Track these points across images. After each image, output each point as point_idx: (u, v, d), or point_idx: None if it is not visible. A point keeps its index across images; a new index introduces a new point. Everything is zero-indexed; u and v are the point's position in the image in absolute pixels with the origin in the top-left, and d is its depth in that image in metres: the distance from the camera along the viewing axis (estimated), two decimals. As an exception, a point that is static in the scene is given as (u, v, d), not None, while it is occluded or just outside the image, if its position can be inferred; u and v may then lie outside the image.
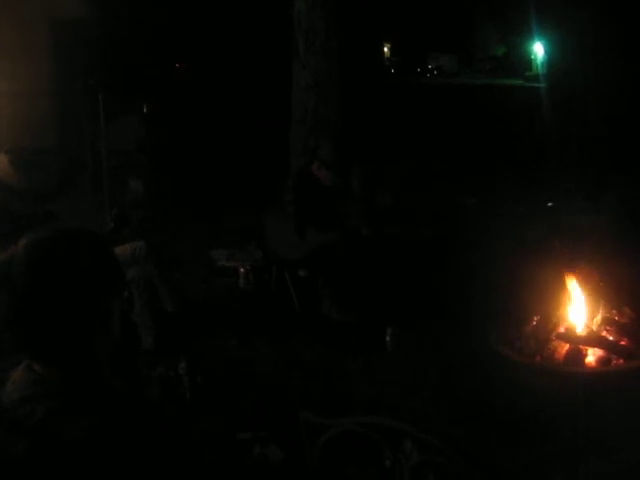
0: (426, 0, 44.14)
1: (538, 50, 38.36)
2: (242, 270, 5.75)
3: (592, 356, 3.59)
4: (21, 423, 1.58)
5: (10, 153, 3.53)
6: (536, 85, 30.28)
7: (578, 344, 3.66)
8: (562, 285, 3.96)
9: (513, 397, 3.51)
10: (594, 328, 3.80)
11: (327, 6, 6.82)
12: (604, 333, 3.77)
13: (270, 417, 3.29)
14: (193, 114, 12.93)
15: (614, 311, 3.89)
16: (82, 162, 6.69)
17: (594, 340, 3.69)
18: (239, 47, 16.17)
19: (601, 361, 3.56)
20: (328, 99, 6.94)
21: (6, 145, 3.69)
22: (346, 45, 7.11)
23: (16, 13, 8.09)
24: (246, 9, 15.94)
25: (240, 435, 2.27)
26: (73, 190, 3.96)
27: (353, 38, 7.31)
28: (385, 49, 48.25)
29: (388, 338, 4.42)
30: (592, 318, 3.85)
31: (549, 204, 6.57)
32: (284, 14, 7.33)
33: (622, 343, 3.67)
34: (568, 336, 3.74)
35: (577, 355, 3.58)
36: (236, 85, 14.58)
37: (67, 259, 1.62)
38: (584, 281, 3.95)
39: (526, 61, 43.05)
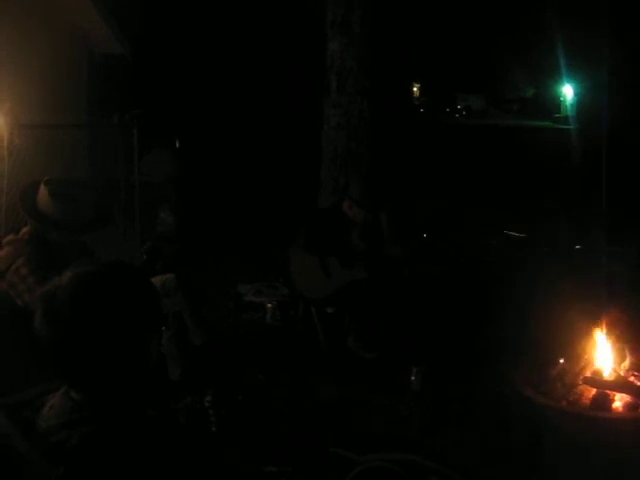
0: (455, 41, 44.57)
1: (567, 92, 38.39)
2: (269, 305, 5.79)
3: (619, 401, 3.57)
4: (58, 448, 1.62)
5: (50, 184, 3.61)
6: (565, 127, 30.35)
7: (605, 389, 3.64)
8: (589, 329, 3.95)
9: (539, 440, 3.48)
10: (621, 373, 3.77)
11: (359, 47, 6.94)
12: (632, 378, 3.75)
13: (295, 452, 3.30)
14: (224, 150, 13.12)
15: (642, 356, 3.87)
16: (116, 195, 6.81)
17: (621, 385, 3.67)
18: (271, 84, 16.45)
19: (628, 407, 3.54)
20: (359, 138, 7.02)
21: (44, 176, 3.75)
22: (377, 85, 7.19)
23: (58, 50, 8.36)
24: (279, 48, 16.28)
25: (265, 469, 2.29)
26: (107, 224, 4.01)
27: (384, 78, 7.36)
28: (414, 89, 48.62)
29: (413, 377, 4.42)
30: (619, 363, 3.83)
31: (577, 247, 6.55)
32: (316, 54, 7.46)
33: (650, 389, 3.64)
34: (595, 380, 3.72)
35: (604, 400, 3.55)
36: (267, 122, 14.79)
37: (109, 293, 1.67)
38: (612, 325, 3.94)
39: (555, 103, 43.08)
